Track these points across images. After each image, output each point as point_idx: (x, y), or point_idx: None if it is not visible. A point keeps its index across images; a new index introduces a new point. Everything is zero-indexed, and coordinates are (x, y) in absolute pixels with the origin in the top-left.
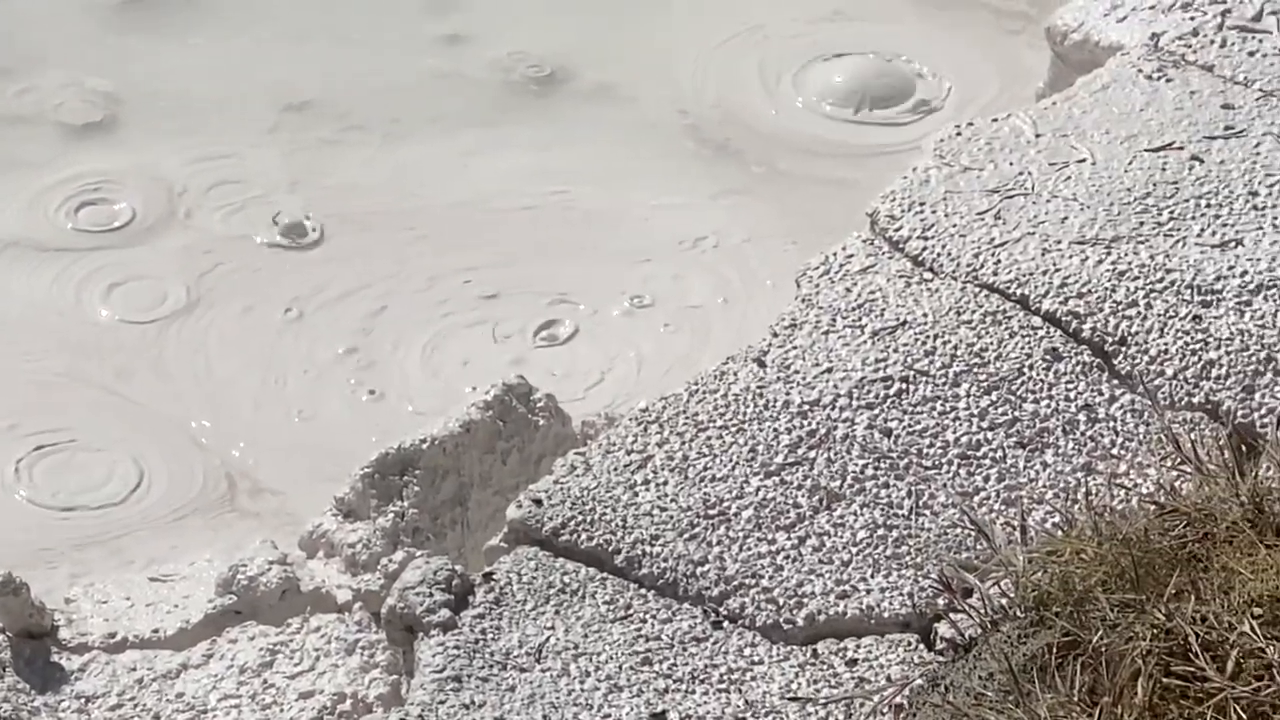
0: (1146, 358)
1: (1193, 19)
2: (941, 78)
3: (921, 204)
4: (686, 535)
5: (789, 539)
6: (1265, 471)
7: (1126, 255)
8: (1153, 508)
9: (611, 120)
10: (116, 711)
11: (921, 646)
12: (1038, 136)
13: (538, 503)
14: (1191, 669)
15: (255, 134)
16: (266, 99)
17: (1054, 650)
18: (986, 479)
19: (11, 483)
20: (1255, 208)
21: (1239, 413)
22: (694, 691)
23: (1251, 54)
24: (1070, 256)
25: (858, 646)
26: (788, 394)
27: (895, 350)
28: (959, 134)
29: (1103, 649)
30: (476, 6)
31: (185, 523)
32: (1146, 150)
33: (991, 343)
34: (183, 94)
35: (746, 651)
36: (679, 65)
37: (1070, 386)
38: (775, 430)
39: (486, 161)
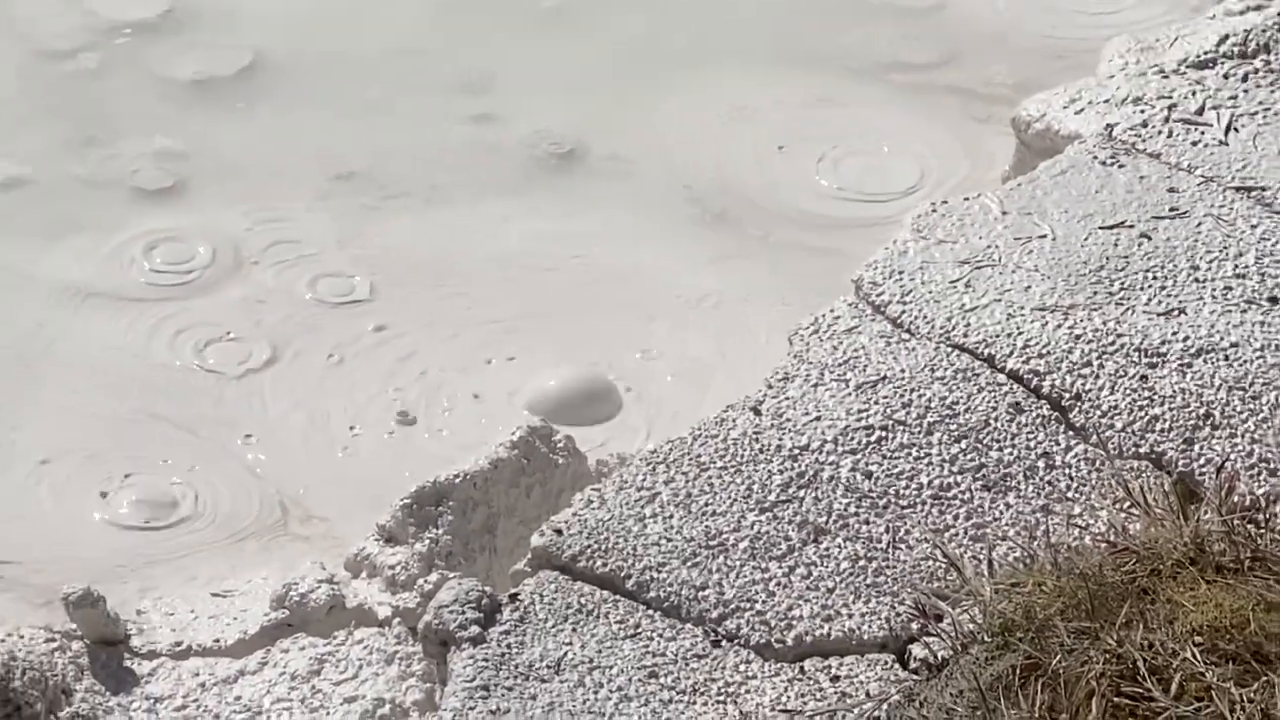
0: (1099, 412)
1: (1143, 112)
2: (916, 158)
3: (900, 272)
4: (689, 563)
5: (780, 568)
6: (1205, 515)
7: (1082, 321)
8: (1105, 546)
9: (623, 191)
10: (181, 712)
11: (897, 666)
12: (1004, 214)
13: (558, 532)
14: (1140, 690)
15: (308, 199)
16: (319, 168)
17: (1017, 671)
18: (956, 517)
19: (91, 506)
20: (1196, 280)
21: (1180, 462)
22: (694, 703)
23: (1194, 144)
24: (1032, 321)
25: (840, 665)
26: (780, 439)
27: (876, 402)
28: (934, 211)
29: (1061, 671)
30: (505, 89)
31: (243, 545)
32: (1100, 228)
33: (961, 397)
34: (244, 163)
35: (742, 668)
36: (683, 143)
37: (1031, 436)
38: (769, 471)
39: (513, 226)
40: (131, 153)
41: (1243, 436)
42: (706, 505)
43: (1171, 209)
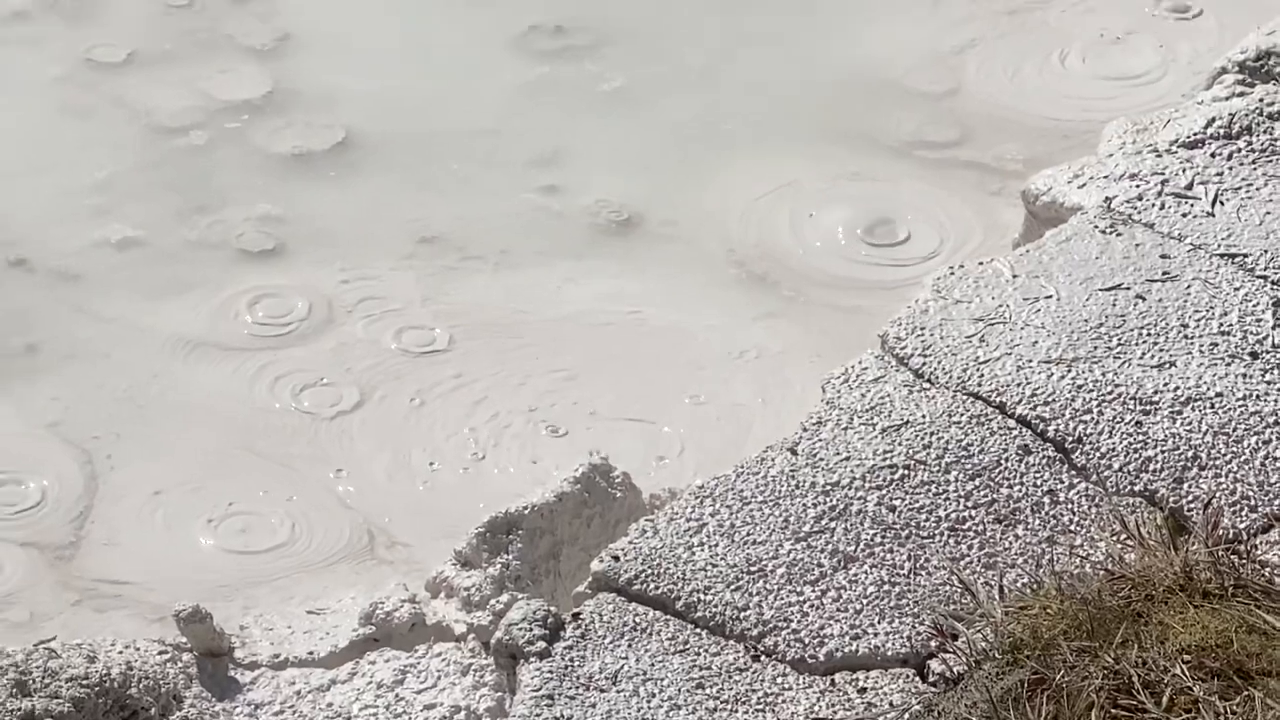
0: (1098, 454)
1: (1138, 186)
2: (936, 227)
3: (922, 328)
4: (732, 586)
5: (813, 591)
6: (1193, 547)
7: (1083, 372)
8: (1103, 574)
9: (674, 255)
10: (279, 717)
11: (918, 679)
12: (1014, 277)
13: (615, 559)
14: (1135, 703)
15: (394, 260)
16: (403, 233)
17: (1025, 685)
18: (970, 547)
19: (199, 533)
20: (1186, 337)
21: (1171, 499)
22: (736, 711)
23: (1184, 215)
24: (1039, 373)
25: (867, 678)
26: (814, 477)
27: (899, 444)
28: (952, 274)
29: (1064, 685)
30: (571, 163)
31: (335, 568)
32: (1100, 289)
33: (975, 439)
34: (337, 228)
35: (779, 680)
36: (729, 212)
37: (1038, 475)
38: (804, 505)
39: (576, 286)
40: (237, 218)
41: (1226, 476)
42: (748, 535)
43: (1164, 273)
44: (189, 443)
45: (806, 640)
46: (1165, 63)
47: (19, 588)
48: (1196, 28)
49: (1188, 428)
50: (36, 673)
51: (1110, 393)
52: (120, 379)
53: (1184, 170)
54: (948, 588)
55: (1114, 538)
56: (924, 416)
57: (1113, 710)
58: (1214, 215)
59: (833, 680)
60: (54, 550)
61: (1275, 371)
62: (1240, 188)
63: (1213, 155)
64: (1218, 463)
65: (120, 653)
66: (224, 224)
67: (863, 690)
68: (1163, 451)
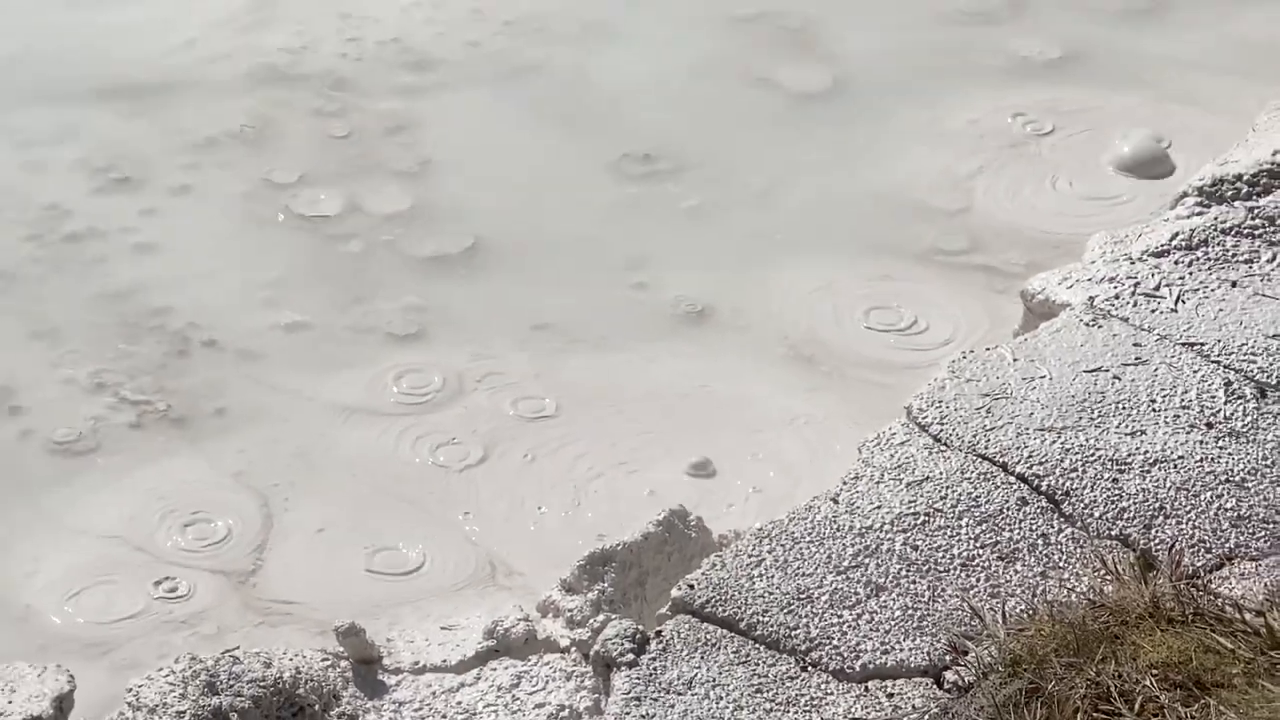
0: (1082, 505)
1: (1115, 287)
2: (951, 319)
3: (939, 401)
4: (785, 610)
5: (851, 615)
6: (1160, 581)
7: (1070, 439)
8: (1086, 603)
9: (738, 340)
10: (418, 713)
11: (935, 687)
12: (1015, 360)
13: (691, 587)
14: (1112, 709)
15: (513, 342)
16: (521, 320)
17: (1023, 693)
18: (978, 580)
19: (354, 563)
20: (1154, 410)
21: (1141, 542)
22: (789, 712)
23: (1153, 311)
24: (1034, 439)
25: (894, 685)
26: (852, 521)
27: (921, 495)
28: (964, 357)
29: (1054, 694)
30: (656, 265)
31: (463, 592)
32: (1084, 371)
33: (983, 492)
34: (467, 316)
35: (822, 686)
36: (782, 306)
37: (1033, 522)
38: (843, 544)
39: (659, 365)
40: (386, 308)
41: (1187, 523)
42: (798, 569)
43: (1136, 358)
44: (347, 490)
45: (845, 654)
46: (1138, 187)
47: (208, 607)
48: (1154, 160)
49: (1155, 484)
50: (223, 675)
51: (1092, 455)
52: (292, 438)
53: (1153, 275)
54: (960, 612)
55: (1095, 573)
56: (941, 473)
57: (1094, 714)
58: (1177, 311)
59: (866, 687)
60: (237, 576)
61: (1227, 438)
62: (1198, 289)
63: (1176, 263)
64: (1180, 512)
65: (290, 659)
66: (376, 312)
67: (890, 695)
68: (1135, 503)
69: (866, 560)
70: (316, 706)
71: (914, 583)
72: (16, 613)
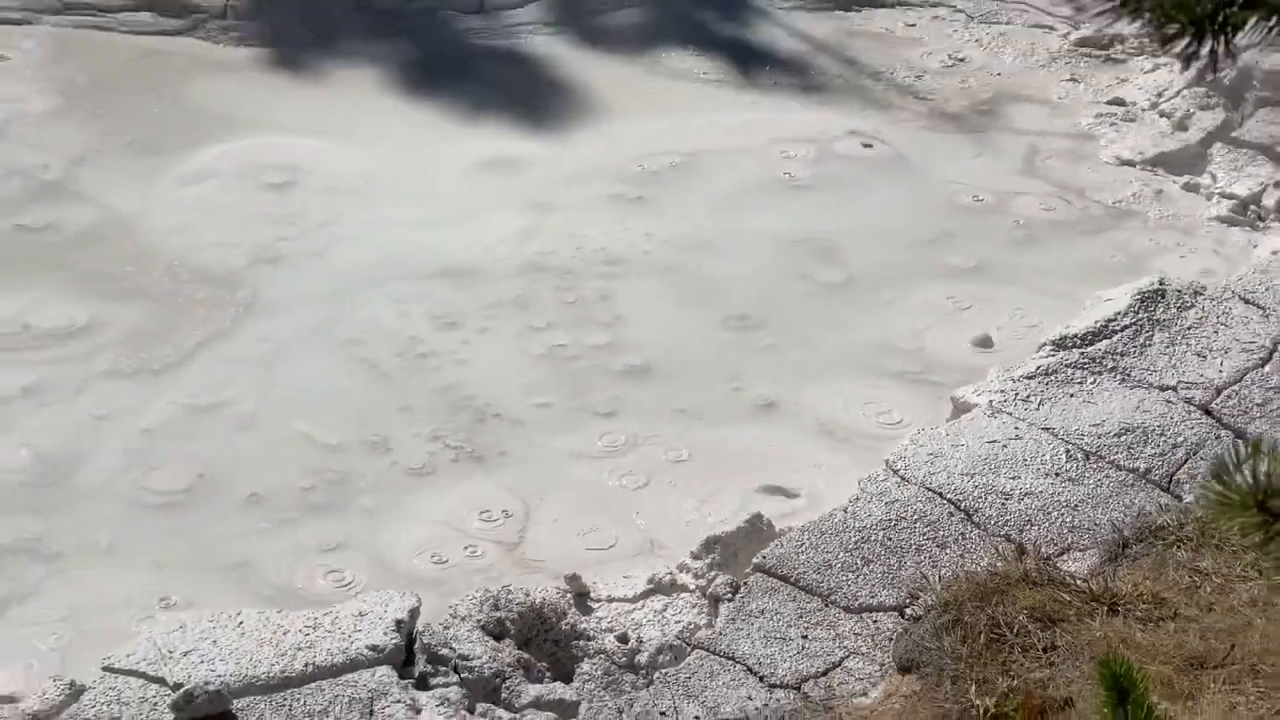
0: (984, 517)
1: (1004, 395)
2: (912, 411)
3: (904, 457)
4: (815, 572)
5: (852, 575)
6: (1029, 563)
7: (978, 480)
8: (986, 572)
9: (792, 421)
10: (610, 626)
11: (900, 617)
12: (947, 435)
13: (763, 558)
14: (1000, 633)
15: (664, 419)
16: (669, 407)
17: (950, 622)
18: (925, 558)
19: (577, 539)
20: (1025, 465)
21: (1018, 539)
22: (816, 629)
23: (1026, 409)
24: (958, 479)
25: (876, 616)
26: (854, 523)
27: (894, 510)
28: (919, 433)
29: (969, 623)
30: (745, 378)
31: (634, 558)
32: (986, 442)
33: (928, 509)
34: (640, 404)
35: (835, 615)
36: (815, 402)
37: (957, 526)
38: (849, 536)
39: (747, 433)
40: (595, 398)
41: (1044, 529)
42: (823, 548)
43: (1016, 436)
44: (571, 499)
45: (849, 597)
46: (1017, 338)
47: (494, 562)
48: (1029, 325)
49: (1026, 507)
50: (502, 599)
51: (990, 489)
52: (542, 469)
53: (1025, 388)
54: (915, 576)
55: (992, 556)
56: (905, 497)
57: (990, 634)
58: (1039, 410)
59: (860, 617)
60: (509, 544)
61: (1067, 482)
62: (1051, 398)
63: (1039, 382)
64: (1039, 523)
65: (539, 592)
66: (588, 400)
67: (875, 621)
68: (1014, 517)
69: (862, 545)
70: (552, 619)
71: (888, 558)
72: (388, 564)
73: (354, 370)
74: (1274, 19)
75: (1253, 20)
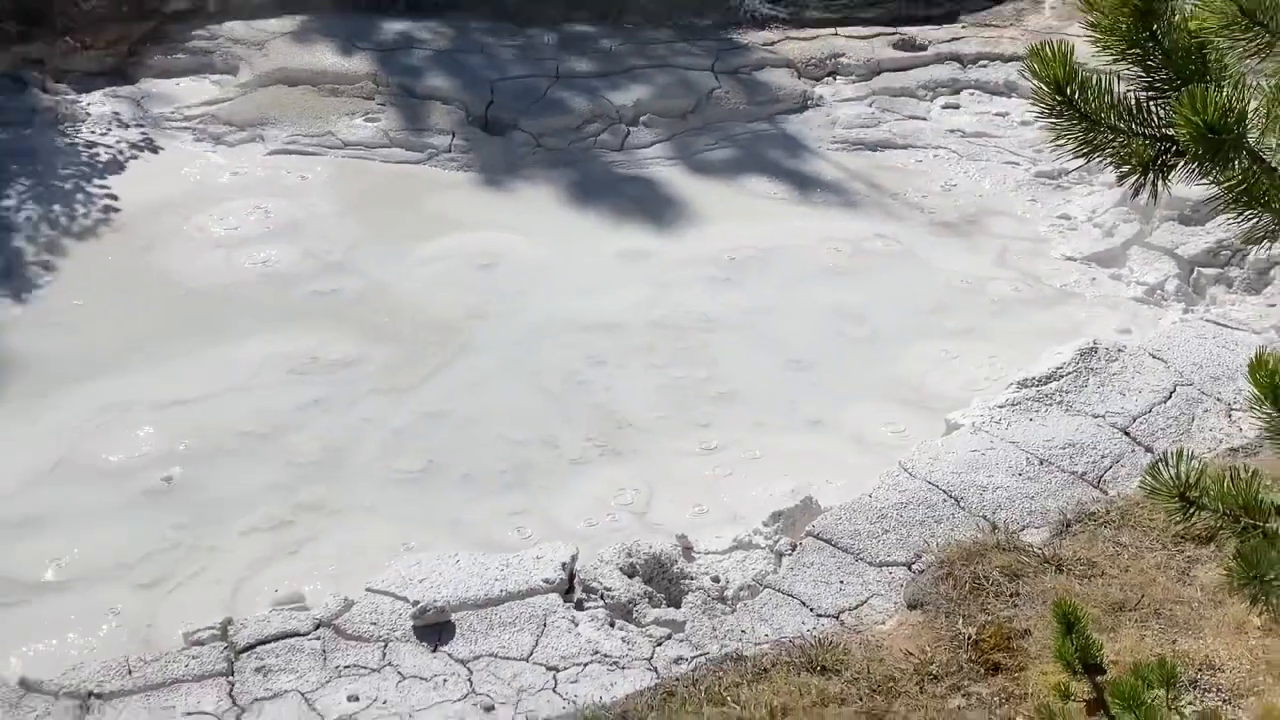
0: (969, 503)
1: (984, 419)
2: (915, 429)
3: (912, 460)
4: (849, 538)
5: (875, 540)
6: (1001, 536)
7: (964, 476)
8: (971, 542)
9: (832, 435)
10: (706, 568)
11: (909, 571)
12: (941, 445)
13: (813, 527)
14: (981, 585)
15: (779, 429)
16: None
17: (944, 575)
18: (926, 530)
19: (686, 511)
20: (999, 467)
21: (994, 519)
22: (848, 575)
23: (999, 429)
24: (949, 475)
25: (892, 569)
26: (875, 505)
27: (905, 496)
28: (920, 444)
29: (957, 576)
30: (803, 407)
31: (722, 525)
32: (969, 451)
33: (927, 496)
34: (744, 410)
35: (864, 570)
36: (846, 422)
37: (949, 509)
38: (872, 513)
39: (801, 442)
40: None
41: (1012, 512)
42: (854, 521)
43: (990, 447)
44: (679, 480)
45: (872, 556)
46: (992, 380)
47: (626, 526)
48: (1001, 371)
49: (999, 495)
50: (634, 549)
51: (972, 483)
52: (661, 463)
53: (997, 414)
54: (920, 541)
55: (975, 531)
56: (912, 488)
57: (973, 585)
58: (1008, 429)
59: (880, 570)
60: (637, 513)
61: (1029, 481)
62: (1016, 420)
63: (1007, 410)
64: (1008, 507)
65: (660, 546)
66: (686, 414)
67: (891, 573)
68: (990, 503)
69: (881, 520)
70: (668, 564)
71: (900, 530)
72: (556, 524)
73: (534, 392)
74: (1194, 165)
75: (1180, 165)
